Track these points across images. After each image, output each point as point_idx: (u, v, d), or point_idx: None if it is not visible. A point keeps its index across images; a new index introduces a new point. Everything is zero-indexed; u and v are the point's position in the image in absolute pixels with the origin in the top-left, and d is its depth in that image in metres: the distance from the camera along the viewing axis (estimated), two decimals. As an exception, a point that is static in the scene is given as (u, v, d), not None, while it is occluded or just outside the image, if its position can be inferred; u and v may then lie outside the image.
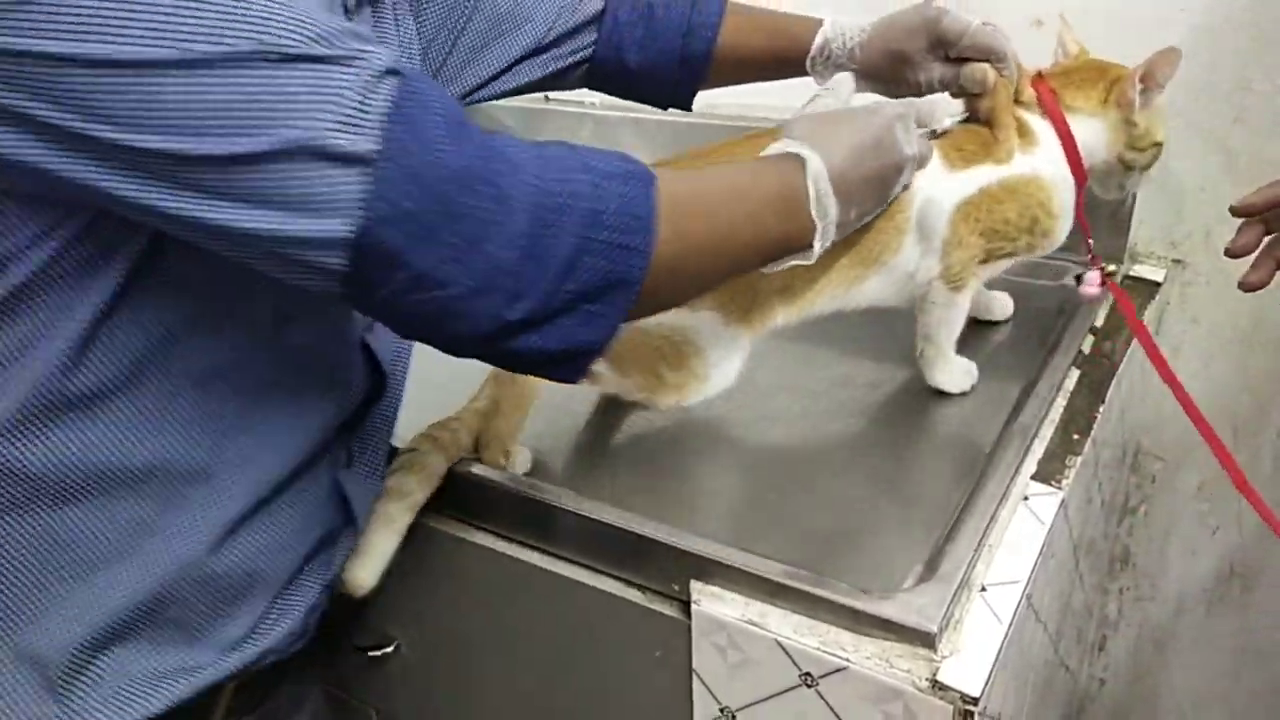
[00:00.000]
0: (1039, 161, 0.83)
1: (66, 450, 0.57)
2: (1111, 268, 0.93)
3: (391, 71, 0.51)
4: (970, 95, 0.83)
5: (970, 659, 0.61)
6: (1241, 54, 1.02)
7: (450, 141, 0.52)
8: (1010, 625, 0.64)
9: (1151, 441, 1.20)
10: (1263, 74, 1.02)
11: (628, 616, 0.73)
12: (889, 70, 0.85)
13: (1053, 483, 0.77)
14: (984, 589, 0.66)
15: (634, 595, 0.72)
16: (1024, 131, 0.83)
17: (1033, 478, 0.78)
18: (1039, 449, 0.81)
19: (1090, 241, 0.89)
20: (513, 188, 0.53)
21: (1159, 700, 1.34)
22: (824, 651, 0.63)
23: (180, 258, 0.56)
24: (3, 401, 0.55)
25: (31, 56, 0.46)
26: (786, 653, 0.65)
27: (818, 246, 0.66)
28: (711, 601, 0.68)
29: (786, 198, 0.64)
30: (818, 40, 0.86)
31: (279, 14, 0.49)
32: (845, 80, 0.83)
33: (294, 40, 0.49)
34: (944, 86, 0.83)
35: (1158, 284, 1.10)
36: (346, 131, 0.49)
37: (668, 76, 0.89)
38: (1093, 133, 0.84)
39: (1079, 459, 0.81)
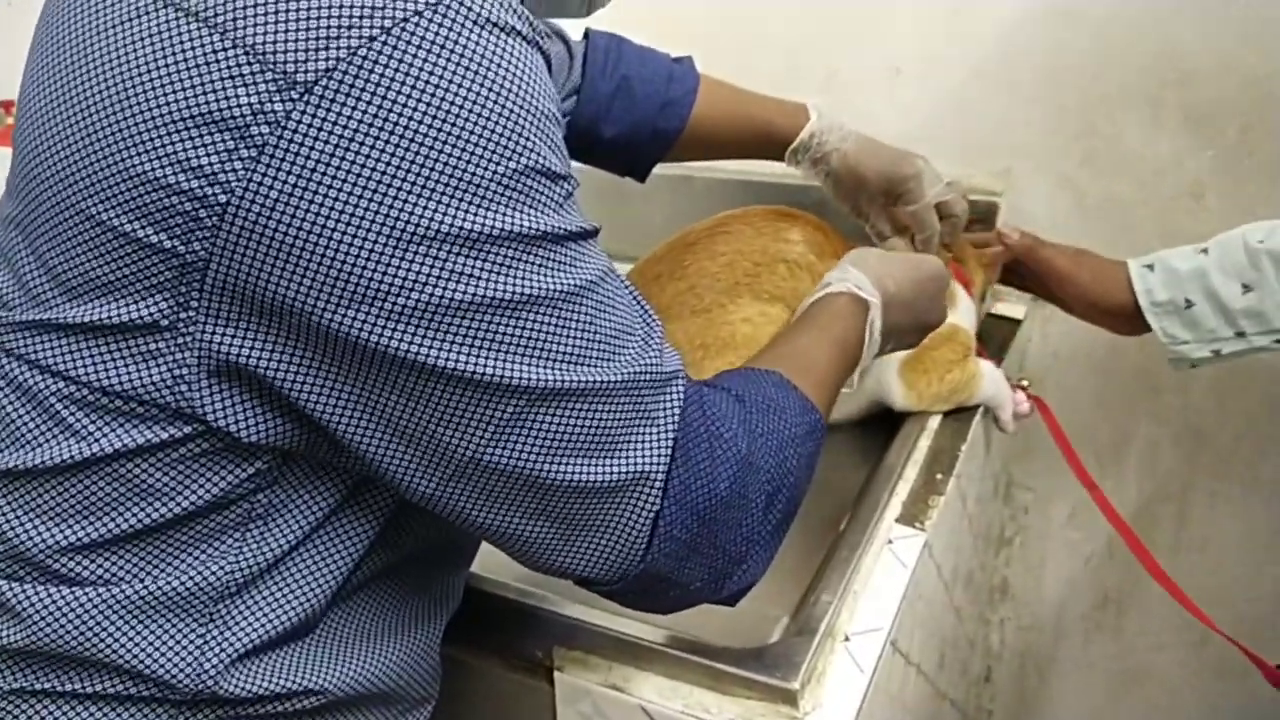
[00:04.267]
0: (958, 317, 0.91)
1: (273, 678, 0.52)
2: (1025, 382, 1.00)
3: (680, 376, 0.52)
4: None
5: (832, 713, 0.60)
6: (1086, 98, 1.06)
7: (715, 464, 0.52)
8: (873, 674, 0.64)
9: (1021, 472, 1.23)
10: (1106, 118, 1.06)
11: (491, 686, 0.70)
12: (851, 185, 0.90)
13: (916, 525, 0.78)
14: (848, 639, 0.66)
15: (496, 664, 0.69)
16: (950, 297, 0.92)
17: (897, 520, 0.78)
18: (903, 491, 0.82)
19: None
20: (757, 492, 0.54)
21: (1045, 726, 1.36)
22: (688, 714, 0.62)
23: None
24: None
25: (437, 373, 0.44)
26: (652, 718, 0.63)
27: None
28: (575, 668, 0.66)
29: (859, 344, 0.68)
30: (803, 135, 0.89)
31: (655, 332, 0.51)
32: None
33: (661, 360, 0.51)
34: (881, 225, 0.90)
35: (1019, 320, 1.13)
36: (658, 467, 0.50)
37: (635, 149, 0.89)
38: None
39: (942, 499, 0.82)
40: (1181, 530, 1.18)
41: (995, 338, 1.08)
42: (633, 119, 0.86)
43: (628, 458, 0.49)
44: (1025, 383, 1.00)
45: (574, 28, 0.87)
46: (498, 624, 0.69)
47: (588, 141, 0.87)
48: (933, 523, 0.79)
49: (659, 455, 0.50)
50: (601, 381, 0.47)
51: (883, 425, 0.93)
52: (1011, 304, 1.14)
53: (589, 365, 0.47)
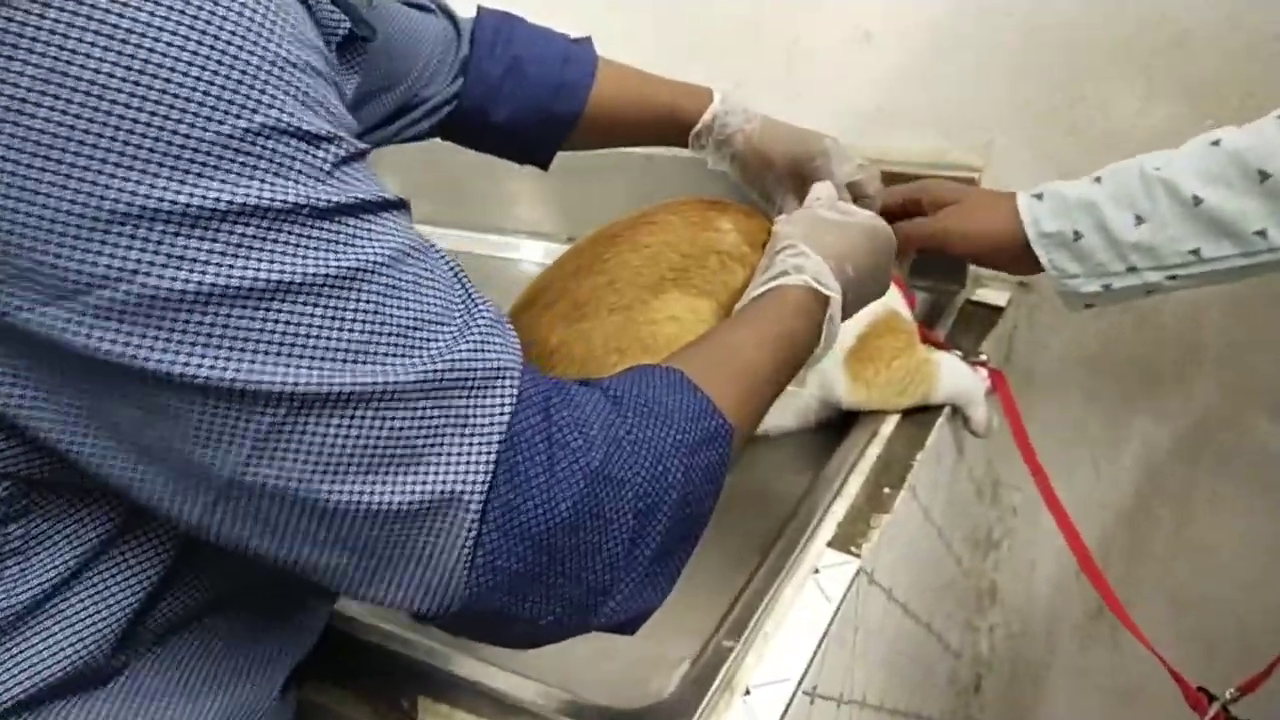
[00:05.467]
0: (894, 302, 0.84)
1: None
2: (984, 356, 0.92)
3: (509, 375, 0.43)
4: None
5: (717, 784, 0.53)
6: (1073, 66, 0.96)
7: (554, 481, 0.43)
8: (774, 734, 0.56)
9: (1009, 472, 1.14)
10: (1093, 85, 0.96)
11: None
12: (756, 167, 0.86)
13: (851, 550, 0.69)
14: (748, 692, 0.58)
15: (361, 711, 0.63)
16: None
17: (829, 545, 0.70)
18: (840, 509, 0.73)
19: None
20: (620, 511, 0.45)
21: (1039, 739, 1.28)
22: (556, 781, 0.55)
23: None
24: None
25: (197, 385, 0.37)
26: (517, 782, 0.56)
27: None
28: (439, 722, 0.59)
29: (811, 342, 0.62)
30: (705, 117, 0.85)
31: (478, 320, 0.43)
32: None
33: (482, 353, 0.42)
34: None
35: (1001, 308, 1.03)
36: (473, 486, 0.41)
37: (530, 134, 0.83)
38: None
39: (886, 517, 0.73)
40: (1181, 533, 1.08)
41: (973, 328, 0.99)
42: (525, 102, 0.80)
43: (431, 475, 0.40)
44: (984, 356, 0.91)
45: (466, 6, 0.81)
46: (364, 668, 0.62)
47: (478, 125, 0.81)
48: (872, 545, 0.70)
49: (474, 471, 0.41)
50: (391, 382, 0.39)
51: (834, 431, 0.84)
52: (993, 290, 1.05)
53: (372, 363, 0.39)
